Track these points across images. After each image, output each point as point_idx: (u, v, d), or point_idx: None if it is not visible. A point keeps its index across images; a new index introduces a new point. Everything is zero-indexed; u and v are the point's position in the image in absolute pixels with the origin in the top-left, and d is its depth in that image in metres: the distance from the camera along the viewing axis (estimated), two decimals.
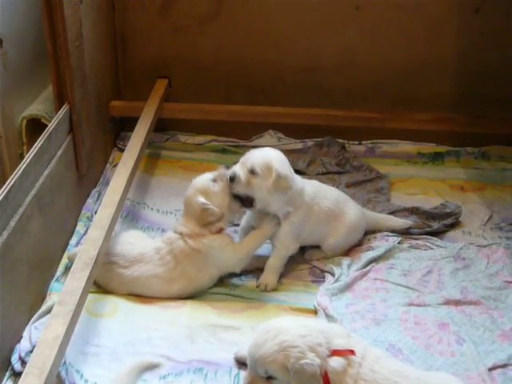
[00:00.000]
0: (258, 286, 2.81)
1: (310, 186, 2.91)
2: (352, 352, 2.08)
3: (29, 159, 2.49)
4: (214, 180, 2.76)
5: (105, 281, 2.72)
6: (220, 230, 2.76)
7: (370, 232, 3.12)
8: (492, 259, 2.98)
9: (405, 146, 3.92)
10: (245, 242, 2.80)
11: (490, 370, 2.39)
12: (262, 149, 2.83)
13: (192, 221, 2.73)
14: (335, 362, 2.06)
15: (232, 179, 2.71)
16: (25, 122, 2.97)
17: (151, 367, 2.19)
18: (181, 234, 2.73)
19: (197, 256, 2.70)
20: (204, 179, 2.78)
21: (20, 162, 2.47)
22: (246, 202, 2.76)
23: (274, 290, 2.80)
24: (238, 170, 2.71)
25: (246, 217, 2.96)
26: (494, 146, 3.89)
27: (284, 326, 2.12)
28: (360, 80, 3.84)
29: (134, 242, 2.78)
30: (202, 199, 2.71)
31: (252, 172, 2.70)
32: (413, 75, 3.82)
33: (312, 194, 2.87)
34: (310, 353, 2.03)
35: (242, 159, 2.77)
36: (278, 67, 3.84)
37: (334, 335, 2.13)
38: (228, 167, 2.80)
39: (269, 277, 2.82)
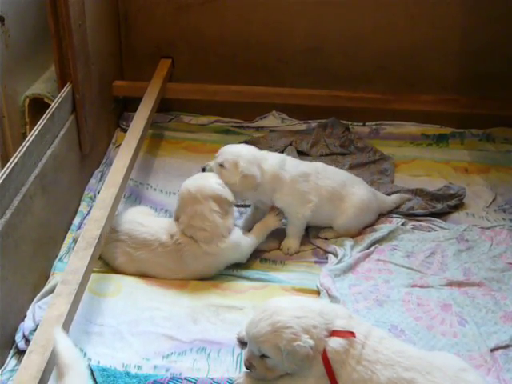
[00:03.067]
0: (281, 249, 2.92)
1: (289, 161, 2.97)
2: (352, 334, 2.08)
3: (31, 138, 2.48)
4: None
5: (112, 256, 2.73)
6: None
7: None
8: (495, 241, 2.97)
9: (409, 127, 3.89)
10: (251, 236, 2.83)
11: (492, 350, 2.39)
12: (235, 145, 3.00)
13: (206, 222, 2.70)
14: (334, 343, 2.07)
15: (203, 170, 2.89)
16: (27, 101, 2.95)
17: None
18: (191, 237, 2.70)
19: (208, 258, 2.71)
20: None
21: (23, 142, 2.47)
22: None
23: (297, 252, 2.92)
24: (211, 162, 2.89)
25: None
26: (499, 127, 3.86)
27: (281, 305, 2.13)
28: (364, 61, 3.81)
29: (143, 223, 2.76)
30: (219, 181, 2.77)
31: (221, 166, 2.83)
32: (417, 56, 3.79)
33: (292, 169, 2.93)
34: (303, 334, 2.05)
35: (218, 152, 2.91)
36: (281, 47, 3.81)
37: (336, 316, 2.14)
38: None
39: (290, 241, 2.92)
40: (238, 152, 2.86)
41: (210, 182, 2.75)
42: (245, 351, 2.27)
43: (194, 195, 2.69)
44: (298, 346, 2.03)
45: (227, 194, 2.73)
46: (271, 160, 2.90)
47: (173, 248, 2.69)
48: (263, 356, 2.12)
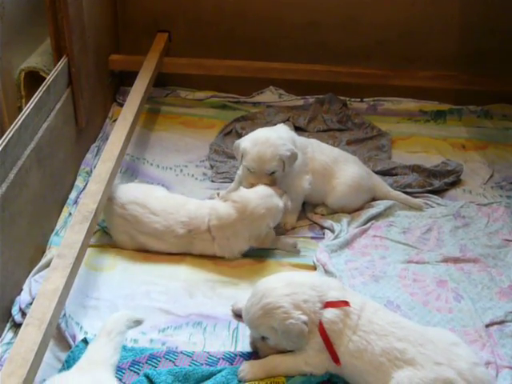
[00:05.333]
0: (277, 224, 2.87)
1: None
2: (346, 303, 2.11)
3: (27, 112, 2.46)
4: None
5: (113, 229, 2.72)
6: None
7: None
8: (492, 218, 2.98)
9: (407, 103, 3.88)
10: None
11: (487, 326, 2.41)
12: (262, 147, 2.79)
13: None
14: (329, 313, 2.10)
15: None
16: (23, 74, 2.92)
17: (135, 322, 2.20)
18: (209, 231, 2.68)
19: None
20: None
21: (18, 116, 2.44)
22: None
23: (294, 228, 2.91)
24: (263, 181, 2.78)
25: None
26: (497, 104, 3.85)
27: (269, 286, 2.15)
28: (362, 36, 3.78)
29: (155, 211, 2.69)
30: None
31: (272, 173, 2.80)
32: (416, 32, 3.76)
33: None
34: (295, 311, 2.08)
35: (251, 164, 2.78)
36: (279, 22, 3.77)
37: (329, 288, 2.16)
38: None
39: (288, 216, 2.89)
40: (272, 153, 2.77)
41: (276, 202, 2.70)
42: (242, 324, 2.31)
43: (259, 212, 2.65)
44: (290, 323, 2.07)
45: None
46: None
47: (186, 238, 2.68)
48: (263, 338, 2.16)
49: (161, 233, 2.67)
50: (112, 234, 2.75)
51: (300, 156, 2.88)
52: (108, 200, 2.67)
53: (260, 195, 2.67)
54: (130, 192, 2.76)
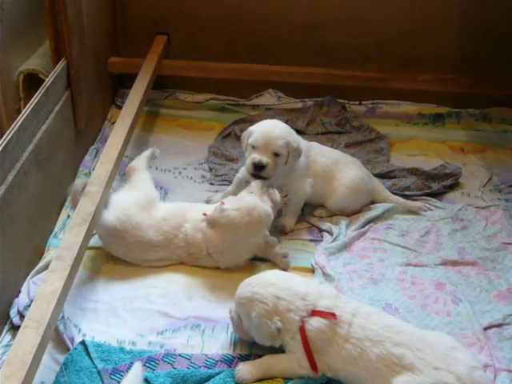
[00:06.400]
0: (276, 227, 2.87)
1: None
2: (333, 315, 2.11)
3: (26, 114, 2.46)
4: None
5: (115, 251, 2.68)
6: None
7: None
8: (490, 221, 2.98)
9: (405, 106, 3.89)
10: None
11: (486, 329, 2.42)
12: (270, 126, 2.81)
13: None
14: (315, 322, 2.12)
15: (262, 168, 2.72)
16: (22, 76, 2.92)
17: None
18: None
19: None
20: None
21: (17, 118, 2.44)
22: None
23: (292, 231, 2.90)
24: (265, 158, 2.73)
25: (243, 170, 2.96)
26: (496, 107, 3.86)
27: (270, 280, 2.20)
28: (362, 39, 3.79)
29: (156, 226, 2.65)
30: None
31: (276, 155, 2.75)
32: (415, 34, 3.77)
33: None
34: (274, 315, 2.13)
35: (258, 142, 2.75)
36: (278, 24, 3.78)
37: (321, 296, 2.18)
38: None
39: (287, 219, 2.90)
40: (281, 133, 2.77)
41: (263, 210, 2.61)
42: None
43: (251, 230, 2.59)
44: (265, 323, 2.12)
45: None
46: None
47: (189, 258, 2.67)
48: (239, 317, 2.22)
49: (164, 258, 2.67)
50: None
51: (303, 159, 2.88)
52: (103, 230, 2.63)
53: (244, 212, 2.57)
54: (123, 220, 2.62)
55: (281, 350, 2.20)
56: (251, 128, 2.84)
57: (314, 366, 2.12)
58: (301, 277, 2.32)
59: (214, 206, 2.66)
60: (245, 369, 2.16)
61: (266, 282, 2.19)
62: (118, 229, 2.58)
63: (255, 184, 2.69)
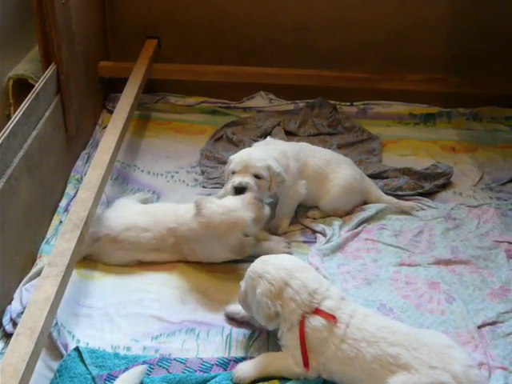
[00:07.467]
0: (269, 229, 2.87)
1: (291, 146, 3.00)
2: (333, 318, 2.11)
3: (16, 119, 2.45)
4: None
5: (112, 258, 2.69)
6: None
7: None
8: (482, 219, 2.99)
9: (396, 106, 3.90)
10: None
11: (479, 327, 2.42)
12: (249, 151, 2.83)
13: None
14: (315, 320, 2.12)
15: (243, 189, 2.70)
16: (11, 82, 2.91)
17: None
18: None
19: None
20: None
21: (7, 124, 2.43)
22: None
23: (285, 232, 2.90)
24: (245, 179, 2.71)
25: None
26: (486, 106, 3.87)
27: (285, 265, 2.21)
28: (352, 40, 3.79)
29: (146, 227, 2.69)
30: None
31: (258, 177, 2.74)
32: (405, 35, 3.78)
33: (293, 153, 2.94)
34: (276, 300, 2.13)
35: (237, 166, 2.74)
36: (269, 27, 3.78)
37: (328, 296, 2.16)
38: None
39: (279, 221, 2.91)
40: (261, 156, 2.77)
41: (242, 215, 2.59)
42: (236, 330, 2.38)
43: (221, 228, 2.57)
44: (266, 303, 2.13)
45: None
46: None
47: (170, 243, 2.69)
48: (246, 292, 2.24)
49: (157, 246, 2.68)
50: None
51: (294, 163, 2.88)
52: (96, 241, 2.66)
53: (224, 210, 2.58)
54: (112, 224, 2.69)
55: (277, 350, 2.21)
56: (231, 157, 2.82)
57: (306, 362, 2.12)
58: (317, 273, 2.32)
59: None
60: (243, 368, 2.17)
61: (281, 265, 2.19)
62: (97, 230, 2.64)
63: (249, 193, 2.68)
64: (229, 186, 2.73)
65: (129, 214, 2.73)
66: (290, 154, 2.91)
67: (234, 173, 2.76)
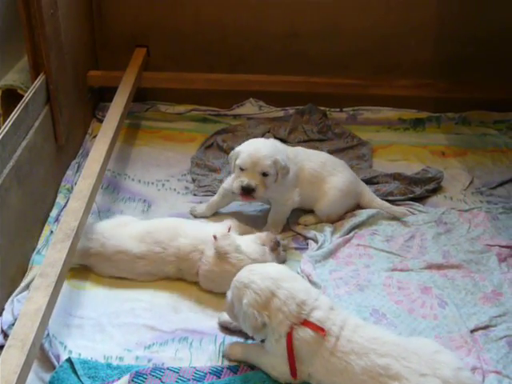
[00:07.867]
0: None
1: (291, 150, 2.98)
2: (322, 330, 2.09)
3: (5, 130, 2.44)
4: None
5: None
6: None
7: None
8: (473, 223, 3.00)
9: (386, 112, 3.91)
10: None
11: (472, 331, 2.43)
12: (257, 146, 2.79)
13: None
14: (303, 332, 2.10)
15: (251, 190, 2.72)
16: (0, 92, 2.90)
17: None
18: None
19: None
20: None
21: None
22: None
23: None
24: (254, 180, 2.72)
25: (229, 180, 2.95)
26: (474, 111, 3.89)
27: (273, 275, 2.18)
28: (341, 46, 3.80)
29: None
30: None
31: (265, 175, 2.74)
32: (392, 41, 3.79)
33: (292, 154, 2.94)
34: (263, 310, 2.11)
35: (245, 163, 2.73)
36: (258, 34, 3.78)
37: (317, 307, 2.15)
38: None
39: (271, 228, 2.89)
40: (268, 152, 2.75)
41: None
42: (228, 338, 2.37)
43: None
44: (253, 313, 2.11)
45: None
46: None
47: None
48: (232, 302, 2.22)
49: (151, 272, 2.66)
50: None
51: (292, 167, 2.86)
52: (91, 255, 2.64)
53: (252, 261, 2.50)
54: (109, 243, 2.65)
55: None
56: (238, 148, 2.81)
57: (293, 373, 2.12)
58: (306, 282, 2.31)
59: (222, 226, 2.69)
60: (235, 349, 2.28)
61: (267, 275, 2.16)
62: (92, 246, 2.61)
63: (266, 236, 2.66)
64: (237, 184, 2.74)
65: (126, 238, 2.66)
66: (291, 156, 2.90)
67: (241, 169, 2.75)
